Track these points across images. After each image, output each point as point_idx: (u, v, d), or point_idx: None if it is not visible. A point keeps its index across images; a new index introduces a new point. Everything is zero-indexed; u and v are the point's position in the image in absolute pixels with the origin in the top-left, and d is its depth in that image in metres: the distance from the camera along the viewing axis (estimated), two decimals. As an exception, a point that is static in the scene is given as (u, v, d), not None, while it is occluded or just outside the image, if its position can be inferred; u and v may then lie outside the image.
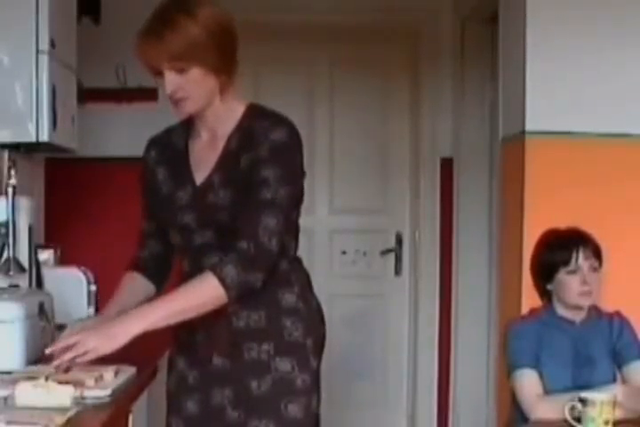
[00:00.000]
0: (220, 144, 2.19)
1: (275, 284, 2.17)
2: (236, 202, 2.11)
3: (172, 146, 2.28)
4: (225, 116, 2.19)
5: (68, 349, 1.99)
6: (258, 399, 2.16)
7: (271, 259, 2.11)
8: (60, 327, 2.76)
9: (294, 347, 2.20)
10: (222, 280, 2.03)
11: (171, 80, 2.09)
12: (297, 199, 2.19)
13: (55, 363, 2.00)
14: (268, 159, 2.10)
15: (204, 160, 2.20)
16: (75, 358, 1.99)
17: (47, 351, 2.04)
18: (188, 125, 2.27)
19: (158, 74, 2.11)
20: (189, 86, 2.10)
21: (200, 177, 2.19)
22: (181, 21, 2.06)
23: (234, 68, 2.17)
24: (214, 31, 2.09)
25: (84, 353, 1.98)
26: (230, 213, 2.11)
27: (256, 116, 2.19)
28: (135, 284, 2.33)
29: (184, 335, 2.24)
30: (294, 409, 2.17)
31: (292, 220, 2.19)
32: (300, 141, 2.17)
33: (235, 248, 2.06)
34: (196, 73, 2.09)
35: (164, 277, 2.38)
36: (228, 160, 2.16)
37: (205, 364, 2.21)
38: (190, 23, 2.06)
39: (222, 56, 2.12)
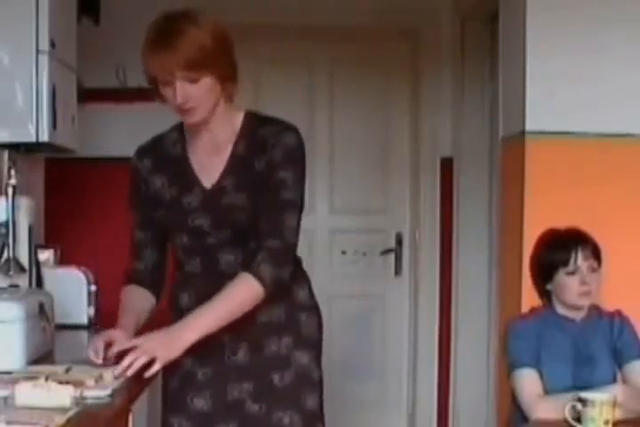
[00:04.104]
0: (225, 150, 2.24)
1: (289, 281, 2.24)
2: (254, 203, 2.19)
3: (167, 153, 2.30)
4: (226, 123, 2.25)
5: (128, 351, 2.07)
6: (280, 392, 2.25)
7: (294, 254, 2.25)
8: (60, 327, 2.77)
9: (310, 341, 2.31)
10: (260, 279, 2.14)
11: (183, 90, 2.12)
12: (304, 197, 2.29)
13: (125, 363, 2.04)
14: (283, 162, 2.20)
15: (208, 165, 2.25)
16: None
17: (115, 349, 2.10)
18: (181, 132, 2.30)
19: (167, 84, 2.13)
20: (199, 96, 2.14)
21: (208, 181, 2.24)
22: (192, 30, 2.09)
23: (237, 76, 2.23)
24: (219, 40, 2.14)
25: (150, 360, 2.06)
26: (249, 214, 2.19)
27: (259, 122, 2.26)
28: (138, 296, 2.34)
29: None
30: (311, 401, 2.28)
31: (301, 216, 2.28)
32: (304, 145, 2.27)
33: (264, 247, 2.17)
34: (207, 82, 2.13)
35: (162, 287, 2.41)
36: (238, 164, 2.23)
37: (221, 360, 2.25)
38: (200, 32, 2.10)
39: (228, 64, 2.18)
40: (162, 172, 2.28)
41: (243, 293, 2.15)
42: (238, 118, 2.26)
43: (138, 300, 2.34)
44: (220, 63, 2.14)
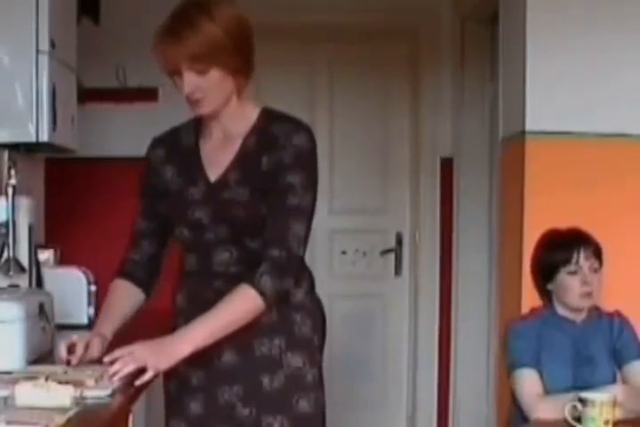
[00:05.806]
0: (235, 144, 2.21)
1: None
2: (253, 199, 2.15)
3: (181, 145, 2.28)
4: (239, 117, 2.22)
5: (120, 358, 2.03)
6: (270, 395, 2.19)
7: (300, 264, 2.19)
8: (60, 327, 2.77)
9: (304, 342, 2.24)
10: (261, 291, 2.09)
11: (189, 81, 2.10)
12: (315, 202, 2.25)
13: (113, 369, 2.01)
14: (292, 165, 2.17)
15: (216, 159, 2.22)
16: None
17: (106, 360, 2.06)
18: (197, 124, 2.28)
19: (176, 73, 2.11)
20: (208, 88, 2.11)
21: (214, 175, 2.21)
22: (202, 23, 2.06)
23: (251, 70, 2.20)
24: (234, 33, 2.10)
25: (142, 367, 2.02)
26: (246, 209, 2.15)
27: (273, 118, 2.22)
28: (124, 295, 2.31)
29: None
30: (305, 404, 2.21)
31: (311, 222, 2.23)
32: (316, 145, 2.24)
33: (267, 256, 2.12)
34: (215, 75, 2.10)
35: (154, 282, 2.37)
36: (245, 160, 2.19)
37: (212, 362, 2.21)
38: (211, 25, 2.07)
39: (241, 58, 2.14)
40: (173, 162, 2.27)
41: (242, 306, 2.10)
42: (254, 114, 2.23)
43: (124, 300, 2.30)
44: (232, 58, 2.10)
